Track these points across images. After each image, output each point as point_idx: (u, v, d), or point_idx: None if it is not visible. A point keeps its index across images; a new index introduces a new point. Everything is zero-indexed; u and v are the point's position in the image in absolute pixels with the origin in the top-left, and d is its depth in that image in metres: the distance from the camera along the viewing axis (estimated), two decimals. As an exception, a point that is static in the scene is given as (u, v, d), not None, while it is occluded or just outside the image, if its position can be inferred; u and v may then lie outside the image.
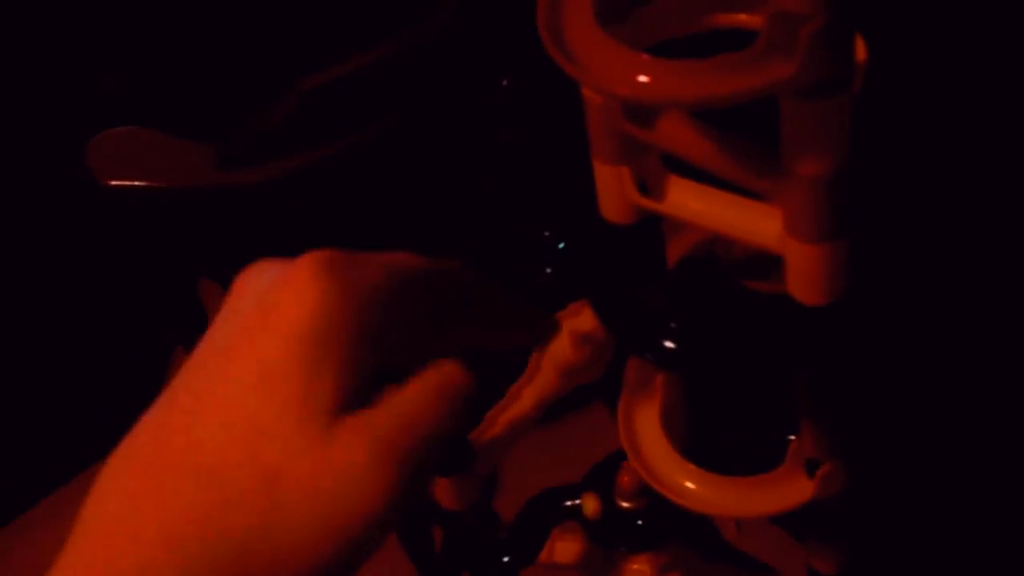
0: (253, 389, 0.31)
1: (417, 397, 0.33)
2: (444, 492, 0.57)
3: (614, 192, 0.43)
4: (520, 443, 0.57)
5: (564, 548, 0.61)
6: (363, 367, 0.32)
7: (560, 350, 0.57)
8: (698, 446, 0.52)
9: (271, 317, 0.32)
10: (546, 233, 0.59)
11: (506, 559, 0.59)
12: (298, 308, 0.31)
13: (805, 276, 0.39)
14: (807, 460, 0.48)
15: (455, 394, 0.34)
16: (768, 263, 0.42)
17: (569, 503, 0.59)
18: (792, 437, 0.50)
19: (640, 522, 0.56)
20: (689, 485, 0.51)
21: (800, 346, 0.42)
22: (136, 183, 0.91)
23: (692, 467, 0.51)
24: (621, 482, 0.55)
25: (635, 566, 0.61)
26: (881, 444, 0.52)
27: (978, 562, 1.02)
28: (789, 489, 0.49)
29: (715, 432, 0.53)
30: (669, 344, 0.45)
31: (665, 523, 0.57)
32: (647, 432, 0.53)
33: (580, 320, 0.57)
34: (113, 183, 0.90)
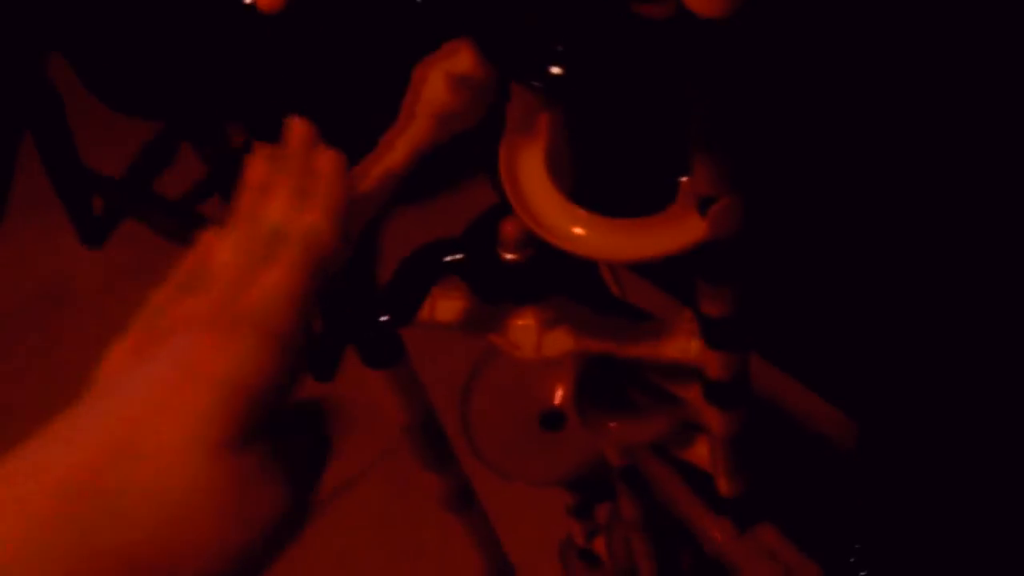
0: (157, 416, 0.33)
1: (298, 443, 0.37)
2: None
3: None
4: (398, 214, 0.54)
5: (445, 306, 0.59)
6: (260, 410, 0.34)
7: (435, 94, 0.53)
8: (586, 190, 0.49)
9: (189, 364, 0.34)
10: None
11: (384, 319, 0.56)
12: (219, 361, 0.34)
13: (705, -19, 0.35)
14: (700, 197, 0.45)
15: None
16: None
17: (449, 258, 0.55)
18: (684, 178, 0.47)
19: (525, 274, 0.53)
20: (577, 231, 0.48)
21: (696, 64, 0.38)
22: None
23: (580, 211, 0.48)
24: (504, 232, 0.52)
25: (520, 321, 0.58)
26: (776, 178, 0.50)
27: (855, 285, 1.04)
28: (682, 229, 0.46)
29: (603, 173, 0.50)
30: (555, 69, 0.40)
31: (551, 274, 0.54)
32: (531, 177, 0.50)
33: (456, 61, 0.52)
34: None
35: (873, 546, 1.06)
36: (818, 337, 1.27)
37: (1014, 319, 1.07)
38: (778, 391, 1.26)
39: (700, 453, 0.70)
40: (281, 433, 0.35)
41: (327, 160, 0.44)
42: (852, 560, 1.06)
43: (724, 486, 0.69)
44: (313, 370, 0.49)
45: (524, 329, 0.58)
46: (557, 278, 0.55)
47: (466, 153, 0.56)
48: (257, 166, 0.45)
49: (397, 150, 0.54)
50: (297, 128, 0.46)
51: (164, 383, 0.34)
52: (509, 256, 0.53)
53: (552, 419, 0.89)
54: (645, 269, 1.24)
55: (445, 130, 0.54)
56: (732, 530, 0.73)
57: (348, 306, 0.57)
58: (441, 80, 0.52)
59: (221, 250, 0.42)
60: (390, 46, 0.54)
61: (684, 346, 0.57)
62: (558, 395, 0.90)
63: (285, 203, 0.42)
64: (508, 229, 0.52)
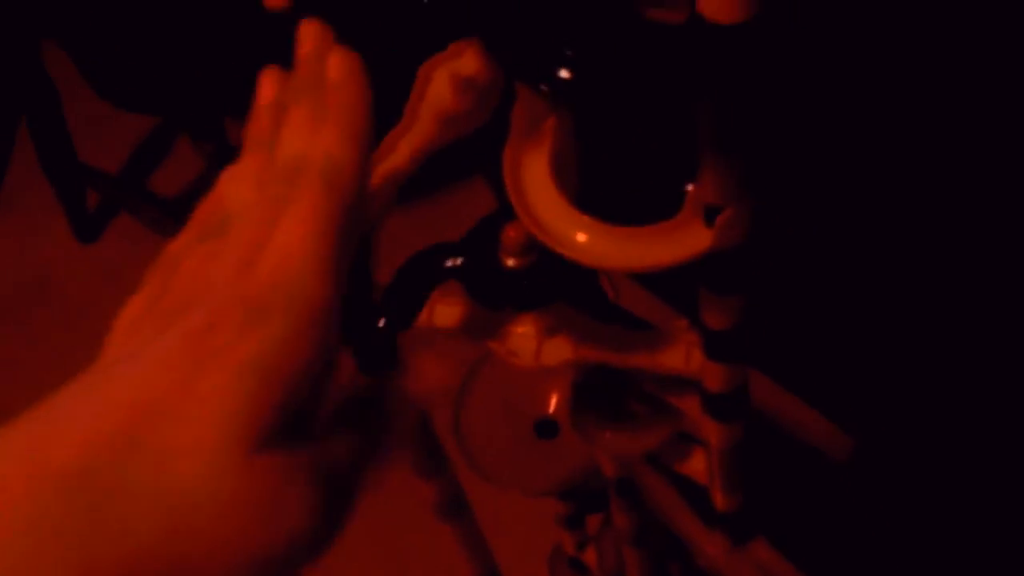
0: (171, 405, 0.28)
1: (339, 441, 0.32)
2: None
3: None
4: (398, 216, 0.53)
5: (445, 311, 0.58)
6: (295, 403, 0.30)
7: (440, 96, 0.52)
8: (591, 196, 0.48)
9: (210, 347, 0.30)
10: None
11: (381, 323, 0.55)
12: (245, 343, 0.30)
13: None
14: (706, 206, 0.45)
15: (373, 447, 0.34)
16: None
17: (450, 263, 0.55)
18: (691, 187, 0.47)
19: (526, 281, 0.53)
20: (581, 237, 0.47)
21: (708, 71, 0.38)
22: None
23: (584, 218, 0.47)
24: (507, 238, 0.51)
25: (519, 328, 0.58)
26: (786, 189, 0.49)
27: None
28: (687, 238, 0.45)
29: (609, 180, 0.49)
30: (564, 73, 0.40)
31: (553, 281, 0.53)
32: (535, 182, 0.49)
33: (462, 63, 0.51)
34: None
35: (867, 562, 1.05)
36: (813, 350, 1.26)
37: (1010, 338, 1.07)
38: (772, 404, 1.26)
39: (696, 466, 0.70)
40: (318, 430, 0.31)
41: (339, 65, 0.38)
42: (844, 576, 1.06)
43: (719, 500, 0.68)
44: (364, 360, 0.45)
45: (523, 337, 0.58)
46: (559, 285, 0.54)
47: (462, 155, 0.55)
48: (268, 83, 0.40)
49: (400, 151, 0.54)
50: (310, 31, 0.39)
51: (183, 365, 0.29)
52: (511, 262, 0.52)
53: (546, 427, 0.88)
54: (643, 276, 1.24)
55: (449, 132, 0.53)
56: (726, 544, 0.72)
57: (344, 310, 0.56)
58: (446, 81, 0.51)
59: (237, 187, 0.37)
60: (395, 45, 0.53)
61: (684, 357, 0.56)
62: (553, 403, 0.90)
63: (301, 125, 0.37)
64: (510, 234, 0.51)
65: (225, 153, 1.49)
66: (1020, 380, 1.11)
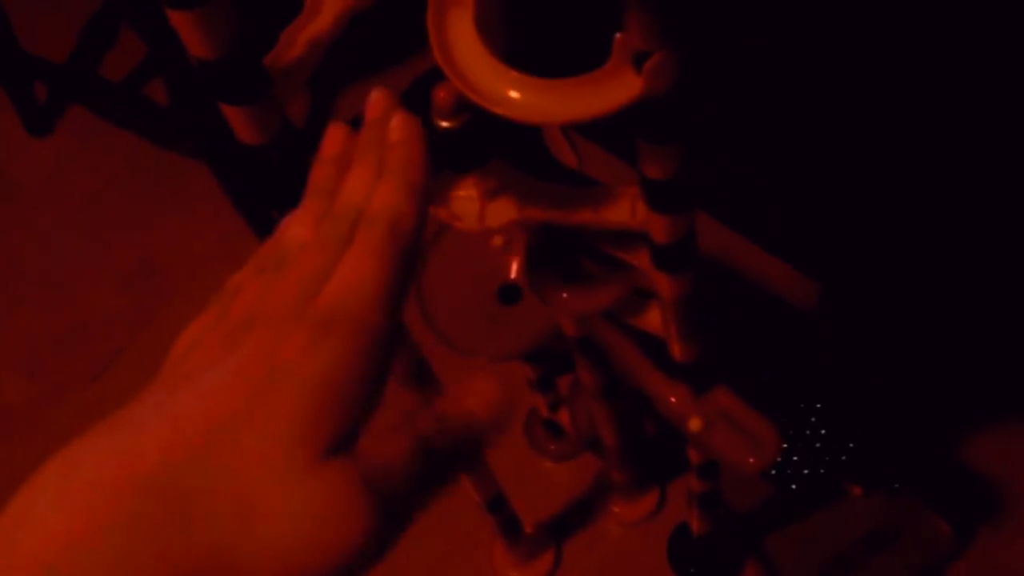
0: (244, 417, 0.30)
1: (398, 447, 0.33)
2: (242, 125, 0.51)
3: None
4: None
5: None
6: (354, 419, 0.32)
7: (359, -46, 0.50)
8: (518, 51, 0.47)
9: (278, 362, 0.31)
10: None
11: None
12: (311, 360, 0.31)
13: None
14: (635, 53, 0.43)
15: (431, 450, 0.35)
16: None
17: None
18: (619, 34, 0.45)
19: (461, 141, 0.52)
20: (510, 93, 0.46)
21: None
22: None
23: (512, 73, 0.46)
24: (437, 99, 0.50)
25: (461, 192, 0.57)
26: (718, 30, 0.47)
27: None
28: (617, 86, 0.44)
29: (536, 33, 0.48)
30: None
31: (488, 141, 0.52)
32: (461, 39, 0.47)
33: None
34: None
35: (834, 405, 1.07)
36: (779, 201, 1.26)
37: (970, 181, 1.07)
38: (733, 254, 1.26)
39: (653, 320, 0.70)
40: (373, 448, 0.32)
41: (399, 126, 0.40)
42: (813, 419, 1.08)
43: (677, 351, 0.69)
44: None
45: (466, 200, 0.57)
46: (495, 145, 0.53)
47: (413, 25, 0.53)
48: (333, 138, 0.43)
49: (323, 14, 0.52)
50: (378, 98, 0.42)
51: (250, 380, 0.31)
52: (444, 123, 0.51)
53: (509, 293, 0.88)
54: (602, 138, 1.22)
55: (371, -7, 0.51)
56: (687, 394, 0.73)
57: (279, 180, 0.55)
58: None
59: (296, 229, 0.39)
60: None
61: (628, 211, 0.56)
62: (514, 268, 0.89)
63: (362, 179, 0.39)
64: (441, 95, 0.50)
65: (166, 35, 1.45)
66: (977, 217, 1.11)
